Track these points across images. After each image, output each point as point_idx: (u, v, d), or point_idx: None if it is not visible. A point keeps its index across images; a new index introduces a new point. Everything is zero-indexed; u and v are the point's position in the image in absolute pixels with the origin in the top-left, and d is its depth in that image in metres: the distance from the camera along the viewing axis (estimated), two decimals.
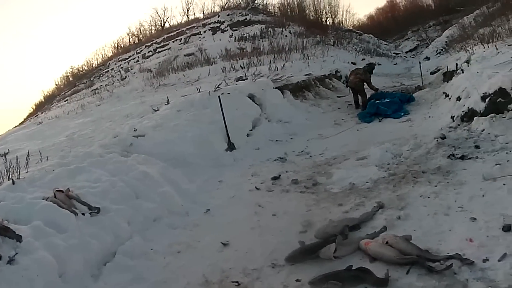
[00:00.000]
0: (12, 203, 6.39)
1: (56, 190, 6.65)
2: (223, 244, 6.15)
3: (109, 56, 50.01)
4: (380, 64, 26.32)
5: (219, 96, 10.87)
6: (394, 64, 33.81)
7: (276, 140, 11.64)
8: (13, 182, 7.14)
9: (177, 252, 6.13)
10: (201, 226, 6.95)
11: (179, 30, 40.85)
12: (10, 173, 7.51)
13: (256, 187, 8.28)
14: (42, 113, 34.08)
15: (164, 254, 6.09)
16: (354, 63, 24.49)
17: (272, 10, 45.69)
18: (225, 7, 45.11)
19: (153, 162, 8.68)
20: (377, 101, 13.61)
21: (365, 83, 15.01)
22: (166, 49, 35.72)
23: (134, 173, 7.83)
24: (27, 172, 7.89)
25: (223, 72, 20.04)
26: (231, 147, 10.36)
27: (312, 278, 4.89)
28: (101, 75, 37.53)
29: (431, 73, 21.32)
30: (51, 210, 6.17)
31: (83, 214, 6.34)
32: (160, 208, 7.20)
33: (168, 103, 12.55)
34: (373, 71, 16.70)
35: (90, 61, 52.44)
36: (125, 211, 6.76)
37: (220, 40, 32.46)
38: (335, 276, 4.80)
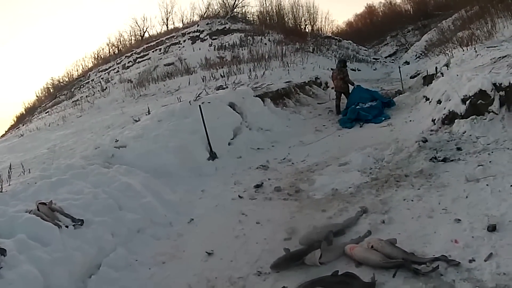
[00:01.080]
0: None
1: (39, 203, 6.59)
2: (208, 253, 6.12)
3: (89, 67, 49.88)
4: (359, 70, 26.58)
5: (199, 106, 10.83)
6: (374, 70, 34.18)
7: (258, 148, 11.62)
8: None
9: (162, 263, 6.09)
10: (185, 236, 6.91)
11: (159, 40, 40.92)
12: None
13: (239, 196, 8.24)
14: (23, 125, 33.83)
15: (149, 265, 6.04)
16: (333, 70, 24.65)
17: (251, 19, 45.91)
18: (204, 16, 45.31)
19: (135, 173, 8.61)
20: (358, 107, 13.66)
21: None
22: (146, 59, 35.73)
23: (116, 184, 7.76)
24: (9, 185, 7.82)
25: (203, 81, 20.06)
26: (213, 156, 10.32)
27: (298, 284, 4.89)
28: (82, 86, 37.41)
29: (411, 77, 21.57)
30: (35, 223, 6.11)
31: (66, 226, 6.27)
32: (143, 219, 7.14)
33: (148, 113, 12.46)
34: (347, 64, 17.19)
35: (70, 72, 52.19)
36: (109, 222, 6.69)
37: (199, 49, 32.56)
38: (321, 282, 4.82)
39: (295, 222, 6.78)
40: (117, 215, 6.96)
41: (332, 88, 17.00)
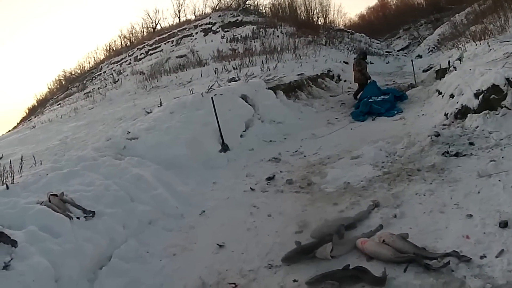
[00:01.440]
0: (5, 208, 6.34)
1: (50, 194, 6.59)
2: (219, 245, 6.09)
3: (101, 59, 49.85)
4: (372, 63, 26.34)
5: (212, 98, 10.79)
6: (386, 63, 33.86)
7: (270, 141, 11.58)
8: (7, 187, 7.09)
9: (173, 255, 6.06)
10: (197, 228, 6.89)
11: (171, 32, 40.73)
12: (4, 178, 7.45)
13: (250, 188, 8.21)
14: (35, 117, 33.93)
15: (160, 257, 6.02)
16: (346, 62, 24.45)
17: (264, 11, 45.51)
18: (216, 8, 44.94)
19: (147, 165, 8.60)
20: (370, 100, 13.60)
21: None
22: (158, 51, 35.70)
23: (128, 176, 7.76)
24: (20, 176, 7.82)
25: (215, 73, 19.98)
26: (224, 148, 10.27)
27: (309, 278, 4.87)
28: (94, 78, 37.46)
29: (424, 71, 21.27)
30: (46, 215, 6.11)
31: (78, 218, 6.27)
32: (155, 210, 7.13)
33: (160, 105, 12.44)
34: (367, 56, 17.36)
35: (82, 64, 52.28)
36: (120, 214, 6.68)
37: (212, 41, 32.43)
38: (332, 275, 4.78)
39: (307, 215, 6.73)
40: (128, 207, 6.95)
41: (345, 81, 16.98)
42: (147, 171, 8.23)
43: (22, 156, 8.77)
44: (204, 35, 36.13)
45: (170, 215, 7.23)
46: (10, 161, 8.06)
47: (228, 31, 35.28)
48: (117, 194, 7.11)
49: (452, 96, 10.56)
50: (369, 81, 15.41)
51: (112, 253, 5.93)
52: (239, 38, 31.62)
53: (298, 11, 42.97)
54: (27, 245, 5.43)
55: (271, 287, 4.99)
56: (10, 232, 5.57)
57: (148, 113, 12.18)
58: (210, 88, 12.65)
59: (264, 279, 5.18)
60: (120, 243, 6.16)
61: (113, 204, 6.84)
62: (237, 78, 16.47)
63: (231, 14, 40.19)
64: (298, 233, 6.20)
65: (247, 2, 45.04)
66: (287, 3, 43.61)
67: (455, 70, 12.44)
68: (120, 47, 49.48)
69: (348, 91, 17.56)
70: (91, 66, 49.26)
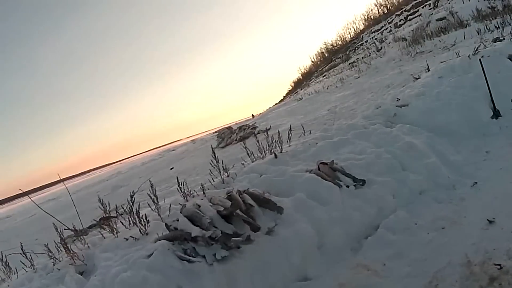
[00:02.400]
0: (274, 176, 6.75)
1: (320, 163, 6.85)
2: (489, 221, 5.54)
3: (361, 28, 50.28)
4: None
5: (480, 60, 10.05)
6: None
7: None
8: (276, 156, 7.55)
9: (441, 228, 5.73)
10: (467, 200, 6.40)
11: None
12: (273, 147, 7.93)
13: None
14: (301, 89, 35.49)
15: (428, 229, 5.75)
16: None
17: None
18: None
19: (418, 132, 8.42)
20: None
21: None
22: (417, 15, 34.77)
23: (399, 144, 7.67)
24: (289, 146, 8.24)
25: (478, 34, 18.67)
26: (496, 114, 9.45)
27: None
28: (356, 48, 37.98)
29: None
30: (315, 183, 6.38)
31: (347, 186, 6.43)
32: (426, 180, 6.92)
33: (428, 70, 12.17)
34: None
35: (342, 36, 53.35)
36: (390, 183, 6.65)
37: (469, 0, 30.45)
38: None
39: None
40: (399, 176, 6.88)
41: None
42: (419, 139, 8.04)
43: (290, 126, 9.16)
44: None
45: (442, 185, 6.92)
46: (279, 132, 8.49)
47: None
48: (388, 163, 7.11)
49: None
50: None
51: (380, 223, 5.93)
52: None
53: None
54: (293, 211, 5.75)
55: None
56: (277, 199, 5.92)
57: (416, 79, 12.02)
58: (476, 49, 11.89)
59: None
60: (388, 213, 6.13)
61: (384, 173, 6.86)
62: (501, 38, 15.24)
63: None
64: None
65: None
66: None
67: None
68: (378, 15, 49.28)
69: None
70: (351, 36, 49.97)
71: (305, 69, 62.74)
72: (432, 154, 7.60)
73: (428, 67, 12.61)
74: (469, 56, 11.26)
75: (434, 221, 5.94)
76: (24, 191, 8.57)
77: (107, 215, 6.83)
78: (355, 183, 6.54)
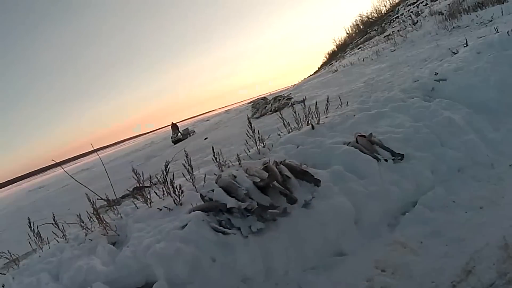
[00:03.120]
0: (311, 148, 6.64)
1: (358, 135, 6.69)
2: None
3: (397, 1, 49.58)
4: None
5: None
6: None
7: None
8: (313, 127, 7.42)
9: (479, 208, 5.43)
10: (506, 180, 6.06)
11: None
12: (309, 118, 7.79)
13: None
14: (336, 61, 35.21)
15: (466, 208, 5.46)
16: None
17: None
18: None
19: (457, 108, 8.05)
20: None
21: None
22: None
23: (438, 119, 7.38)
24: (326, 117, 8.09)
25: None
26: None
27: None
28: (392, 21, 37.46)
29: None
30: (352, 155, 6.23)
31: (385, 160, 6.24)
32: (465, 157, 6.61)
33: (466, 45, 11.86)
34: None
35: (378, 8, 52.70)
36: (429, 159, 6.43)
37: None
38: None
39: None
40: (438, 152, 6.63)
41: None
42: (458, 114, 7.69)
43: (327, 97, 9.02)
44: None
45: (480, 163, 6.60)
46: (316, 102, 8.32)
47: None
48: (427, 138, 6.87)
49: None
50: None
51: (417, 200, 5.72)
52: None
53: None
54: (330, 184, 5.61)
55: None
56: (314, 171, 5.79)
57: (454, 53, 11.71)
58: None
59: None
60: (426, 190, 5.90)
61: (422, 148, 6.63)
62: None
63: None
64: None
65: None
66: None
67: None
68: None
69: None
70: (387, 9, 49.30)
71: (340, 41, 62.44)
72: (471, 131, 7.28)
73: (466, 41, 12.30)
74: (508, 32, 10.87)
75: (472, 200, 5.67)
76: (57, 161, 8.60)
77: (140, 184, 6.80)
78: (393, 157, 6.34)
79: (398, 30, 28.05)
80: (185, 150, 6.93)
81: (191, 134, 38.67)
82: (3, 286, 5.43)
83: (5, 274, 5.82)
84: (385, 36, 28.29)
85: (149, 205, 6.19)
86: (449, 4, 27.66)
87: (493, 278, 4.04)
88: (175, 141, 36.15)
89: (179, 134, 38.50)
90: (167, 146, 29.00)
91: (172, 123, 41.85)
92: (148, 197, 6.32)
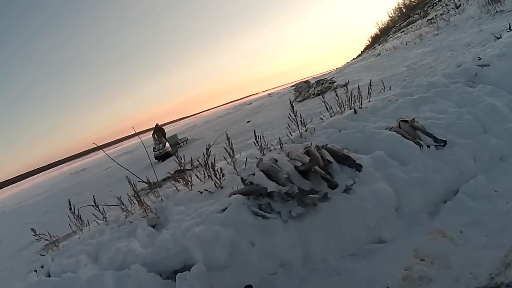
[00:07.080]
0: (353, 132, 6.45)
1: (401, 120, 6.44)
2: None
3: None
4: None
5: None
6: None
7: None
8: (355, 111, 7.23)
9: None
10: None
11: None
12: (352, 102, 7.58)
13: None
14: (379, 45, 34.57)
15: (507, 198, 5.06)
16: None
17: None
18: None
19: (500, 94, 7.56)
20: None
21: None
22: None
23: (481, 105, 6.95)
24: (369, 101, 7.87)
25: None
26: None
27: None
28: (434, 5, 36.43)
29: None
30: (395, 141, 5.97)
31: (428, 146, 5.94)
32: (507, 146, 6.18)
33: (510, 30, 11.34)
34: None
35: None
36: (471, 146, 6.05)
37: None
38: None
39: None
40: (480, 139, 6.22)
41: None
42: (501, 101, 7.21)
43: (370, 81, 8.78)
44: None
45: None
46: (358, 86, 8.12)
47: None
48: (469, 124, 6.46)
49: None
50: None
51: (459, 188, 5.39)
52: None
53: None
54: (372, 170, 5.39)
55: None
56: (355, 156, 5.59)
57: (498, 38, 11.19)
58: None
59: None
60: (468, 178, 5.56)
61: (465, 135, 6.25)
62: None
63: None
64: None
65: None
66: None
67: None
68: None
69: None
70: None
71: (382, 24, 61.26)
72: None
73: (510, 26, 11.74)
74: None
75: None
76: (98, 145, 8.59)
77: (181, 167, 6.68)
78: (436, 144, 6.01)
79: (441, 14, 27.29)
80: (226, 134, 6.82)
81: (181, 144, 27.38)
82: (42, 267, 5.44)
83: (44, 255, 5.90)
84: (427, 20, 27.57)
85: (190, 188, 6.13)
86: None
87: None
88: (161, 156, 22.93)
89: (165, 144, 24.42)
90: (208, 130, 29.04)
91: (157, 125, 26.17)
92: (189, 180, 6.23)
